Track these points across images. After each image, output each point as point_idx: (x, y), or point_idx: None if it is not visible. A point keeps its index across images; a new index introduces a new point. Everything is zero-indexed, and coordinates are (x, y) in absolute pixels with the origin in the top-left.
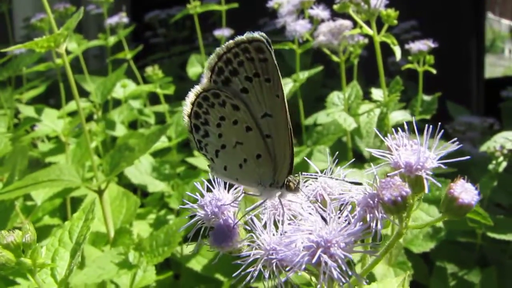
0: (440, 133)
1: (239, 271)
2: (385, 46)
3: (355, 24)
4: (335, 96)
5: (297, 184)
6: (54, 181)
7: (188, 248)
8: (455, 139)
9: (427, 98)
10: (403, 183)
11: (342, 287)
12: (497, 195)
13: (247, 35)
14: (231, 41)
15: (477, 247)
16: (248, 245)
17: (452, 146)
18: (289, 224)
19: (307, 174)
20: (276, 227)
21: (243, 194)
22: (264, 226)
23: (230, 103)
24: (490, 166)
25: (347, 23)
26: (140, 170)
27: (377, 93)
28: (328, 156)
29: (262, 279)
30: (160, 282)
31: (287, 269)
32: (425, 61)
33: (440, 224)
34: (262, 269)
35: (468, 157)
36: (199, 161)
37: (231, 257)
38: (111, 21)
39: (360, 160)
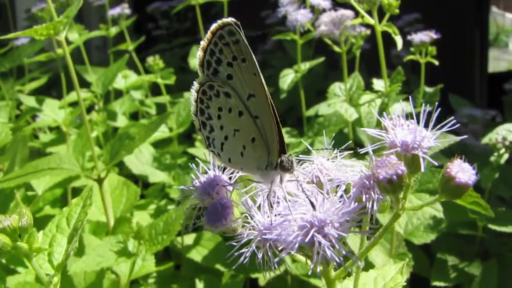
0: (437, 111)
1: (232, 251)
2: (387, 39)
3: (357, 14)
4: (336, 87)
5: (291, 163)
6: (54, 170)
7: (189, 239)
8: (451, 118)
9: (429, 89)
10: (399, 162)
11: (337, 271)
12: (499, 188)
13: (218, 22)
14: (208, 32)
15: (478, 239)
16: (243, 227)
17: (449, 125)
18: (283, 205)
19: (303, 157)
20: (272, 208)
21: (238, 174)
22: (259, 207)
23: (222, 91)
24: (492, 158)
25: (349, 13)
26: (141, 161)
27: (379, 84)
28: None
29: (256, 262)
30: (161, 273)
31: (280, 248)
32: (427, 52)
33: (441, 215)
34: (256, 250)
35: (465, 136)
36: (200, 152)
37: (231, 248)
38: (113, 12)
39: (362, 152)
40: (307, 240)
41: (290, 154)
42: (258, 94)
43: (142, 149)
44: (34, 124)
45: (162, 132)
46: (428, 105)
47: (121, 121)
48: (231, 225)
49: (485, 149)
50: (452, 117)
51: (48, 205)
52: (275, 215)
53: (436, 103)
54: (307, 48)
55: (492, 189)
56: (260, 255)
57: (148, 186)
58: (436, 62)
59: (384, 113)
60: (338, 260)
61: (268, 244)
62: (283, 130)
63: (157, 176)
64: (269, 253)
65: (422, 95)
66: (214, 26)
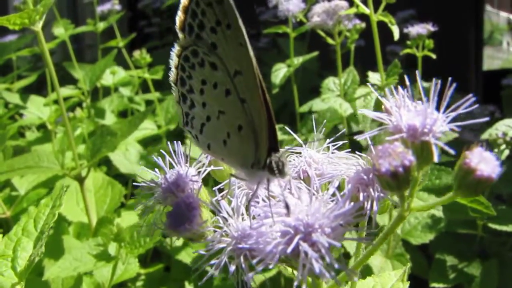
0: (452, 89)
1: (199, 263)
2: (383, 34)
3: (351, 4)
4: (330, 82)
5: (282, 166)
6: (31, 168)
7: (179, 240)
8: (470, 95)
9: (426, 84)
10: (406, 150)
11: (329, 284)
12: (499, 185)
13: None
14: None
15: (477, 239)
16: (215, 231)
17: (465, 106)
18: (264, 206)
19: (289, 148)
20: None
21: (209, 169)
22: (234, 209)
23: (208, 61)
24: None
25: (343, 3)
26: (129, 159)
27: (374, 77)
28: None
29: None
30: (150, 275)
31: (255, 260)
32: (424, 46)
33: (440, 214)
34: (227, 262)
35: (486, 118)
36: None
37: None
38: (103, 8)
39: (356, 148)
40: (289, 250)
41: (283, 154)
42: (246, 71)
43: (129, 147)
44: (20, 121)
45: (150, 129)
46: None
47: (110, 119)
48: (198, 229)
49: (484, 146)
50: (470, 95)
51: (32, 206)
52: (254, 218)
53: (450, 78)
54: (301, 46)
55: (492, 186)
56: (232, 268)
57: (138, 186)
58: (434, 56)
59: (387, 90)
60: (328, 276)
61: (243, 254)
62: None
63: (146, 175)
64: (244, 266)
65: (418, 91)
66: None
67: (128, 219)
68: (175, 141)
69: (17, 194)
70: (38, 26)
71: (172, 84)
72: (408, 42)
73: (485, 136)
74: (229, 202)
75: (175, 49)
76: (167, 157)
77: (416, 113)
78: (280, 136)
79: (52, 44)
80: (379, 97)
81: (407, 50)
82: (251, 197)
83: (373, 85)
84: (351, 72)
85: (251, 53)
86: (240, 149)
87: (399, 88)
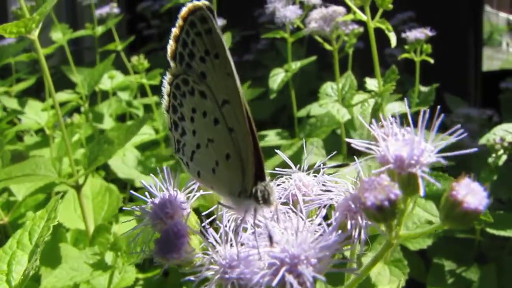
0: (440, 120)
1: None
2: (381, 37)
3: (349, 10)
4: (328, 87)
5: (267, 195)
6: (28, 176)
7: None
8: (458, 126)
9: (424, 89)
10: (392, 183)
11: None
12: (497, 189)
13: (189, 5)
14: (179, 18)
15: (475, 243)
16: (204, 258)
17: (451, 138)
18: (252, 233)
19: (279, 170)
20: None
21: (197, 194)
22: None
23: (197, 89)
24: (490, 159)
25: (340, 9)
26: (128, 164)
27: (372, 83)
28: (321, 149)
29: None
30: (148, 279)
31: None
32: (422, 50)
33: (437, 220)
34: None
35: (475, 149)
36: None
37: None
38: (102, 11)
39: (354, 155)
40: (275, 283)
41: (268, 183)
42: (233, 101)
43: (127, 152)
44: (17, 126)
45: (148, 134)
46: (423, 105)
47: (108, 123)
48: (186, 257)
49: (482, 150)
50: (458, 126)
51: (30, 211)
52: (241, 245)
53: (438, 107)
54: (299, 48)
55: (490, 190)
56: None
57: (137, 190)
58: (432, 60)
59: (374, 119)
60: None
61: (231, 282)
62: (273, 132)
63: (144, 180)
64: None
65: (417, 95)
66: (184, 10)
67: (126, 225)
68: (164, 167)
69: (15, 199)
70: (34, 35)
71: (165, 112)
72: (406, 47)
73: (483, 141)
74: (219, 228)
75: (167, 77)
76: (158, 181)
77: (404, 142)
78: (278, 141)
79: (50, 49)
80: (368, 127)
81: (405, 55)
82: (238, 225)
83: (370, 91)
84: (349, 77)
85: (238, 83)
86: (228, 178)
87: (388, 117)
